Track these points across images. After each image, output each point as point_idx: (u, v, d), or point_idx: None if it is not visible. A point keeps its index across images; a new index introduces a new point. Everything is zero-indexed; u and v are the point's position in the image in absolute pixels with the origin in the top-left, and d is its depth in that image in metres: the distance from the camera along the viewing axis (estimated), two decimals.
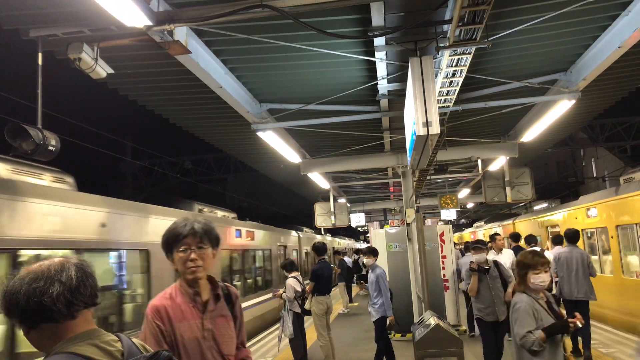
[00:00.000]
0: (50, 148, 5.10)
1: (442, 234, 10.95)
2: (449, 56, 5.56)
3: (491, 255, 8.53)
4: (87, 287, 1.59)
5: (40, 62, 5.24)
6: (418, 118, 5.00)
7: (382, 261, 10.98)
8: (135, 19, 4.23)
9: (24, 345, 4.93)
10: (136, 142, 21.72)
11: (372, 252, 8.15)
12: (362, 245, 40.61)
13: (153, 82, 7.19)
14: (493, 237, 9.54)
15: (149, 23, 4.37)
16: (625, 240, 9.90)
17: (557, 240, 9.07)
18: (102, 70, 5.26)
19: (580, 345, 7.77)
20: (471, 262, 6.88)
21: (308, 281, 8.71)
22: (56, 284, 1.52)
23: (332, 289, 10.08)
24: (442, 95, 6.80)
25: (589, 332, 7.65)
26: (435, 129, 4.96)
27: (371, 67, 6.88)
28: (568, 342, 8.03)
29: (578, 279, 7.87)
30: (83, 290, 1.57)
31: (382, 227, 17.55)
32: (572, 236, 8.23)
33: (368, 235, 36.11)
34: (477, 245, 6.95)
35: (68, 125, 10.91)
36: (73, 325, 1.55)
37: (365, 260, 8.36)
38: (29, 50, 5.26)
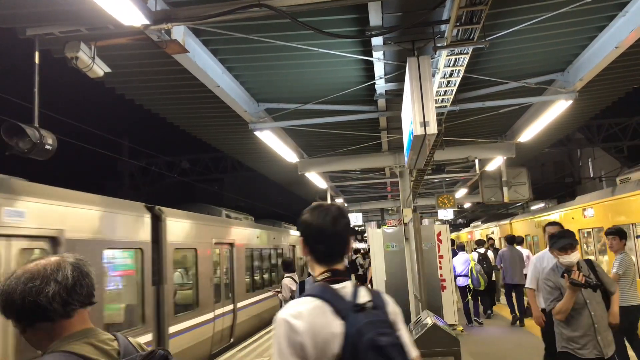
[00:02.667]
0: (47, 147, 5.08)
1: (439, 234, 10.96)
2: (447, 56, 5.56)
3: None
4: (83, 286, 1.59)
5: (37, 60, 5.23)
6: (415, 118, 5.01)
7: (380, 261, 11.00)
8: (133, 17, 4.22)
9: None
10: (133, 141, 21.69)
11: None
12: (360, 245, 40.63)
13: (150, 81, 7.18)
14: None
15: (147, 22, 4.36)
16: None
17: (509, 241, 12.58)
18: (100, 69, 5.25)
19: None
20: (566, 271, 4.22)
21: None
22: (52, 283, 1.52)
23: None
24: (440, 95, 6.81)
25: (523, 305, 11.34)
26: (433, 128, 4.97)
27: (369, 67, 6.88)
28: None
29: (515, 269, 11.78)
30: (79, 289, 1.57)
31: (379, 226, 17.60)
32: (511, 239, 12.65)
33: (365, 235, 36.12)
34: (569, 242, 4.37)
35: (65, 125, 10.89)
36: (69, 324, 1.55)
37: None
38: (26, 49, 5.25)
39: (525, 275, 11.67)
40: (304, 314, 1.79)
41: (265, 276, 15.07)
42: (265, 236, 14.86)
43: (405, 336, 1.95)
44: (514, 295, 11.81)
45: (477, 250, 12.57)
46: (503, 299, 13.91)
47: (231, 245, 11.77)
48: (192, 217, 9.77)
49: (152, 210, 8.25)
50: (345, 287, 1.93)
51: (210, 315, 10.06)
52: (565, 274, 4.20)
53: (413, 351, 1.95)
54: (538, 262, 6.30)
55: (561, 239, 4.44)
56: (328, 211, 2.04)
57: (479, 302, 12.11)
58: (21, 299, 1.50)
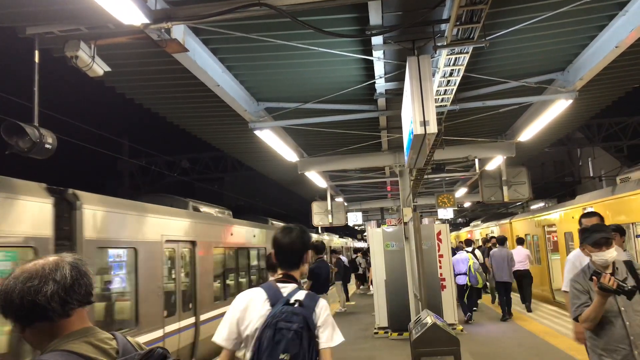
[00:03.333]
0: (47, 146, 5.08)
1: (439, 233, 10.96)
2: (447, 55, 5.56)
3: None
4: (81, 285, 1.59)
5: (37, 59, 5.23)
6: (415, 117, 5.01)
7: (380, 260, 11.00)
8: (133, 16, 4.22)
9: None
10: (133, 140, 21.68)
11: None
12: (360, 245, 40.67)
13: (150, 80, 7.18)
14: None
15: (147, 21, 4.36)
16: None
17: (499, 242, 13.37)
18: (99, 68, 5.25)
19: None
20: (595, 273, 3.52)
21: (305, 280, 8.69)
22: (50, 282, 1.52)
23: (330, 288, 10.11)
24: (440, 94, 6.81)
25: (510, 301, 12.21)
26: (433, 128, 4.97)
27: (369, 66, 6.88)
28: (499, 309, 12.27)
29: (504, 268, 12.41)
30: (77, 288, 1.57)
31: (379, 226, 17.60)
32: (502, 240, 13.32)
33: (365, 234, 36.15)
34: (603, 237, 3.70)
35: (65, 124, 10.89)
36: (68, 324, 1.55)
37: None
38: (26, 48, 5.25)
39: (515, 272, 12.81)
40: (249, 297, 2.64)
41: (244, 280, 12.77)
42: (244, 234, 12.51)
43: (323, 332, 2.59)
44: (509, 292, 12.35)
45: (466, 249, 13.00)
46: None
47: (193, 243, 9.38)
48: (128, 206, 7.45)
49: (61, 194, 6.15)
50: (287, 287, 2.68)
51: (157, 334, 7.78)
52: (593, 277, 3.49)
53: (322, 343, 2.56)
54: (577, 260, 5.06)
55: (594, 233, 3.75)
56: (289, 233, 2.79)
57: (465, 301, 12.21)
58: (20, 299, 1.50)
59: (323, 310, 2.65)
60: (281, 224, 18.19)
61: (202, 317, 9.50)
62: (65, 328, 1.55)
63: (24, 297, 1.50)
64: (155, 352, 1.53)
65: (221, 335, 2.62)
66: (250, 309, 2.59)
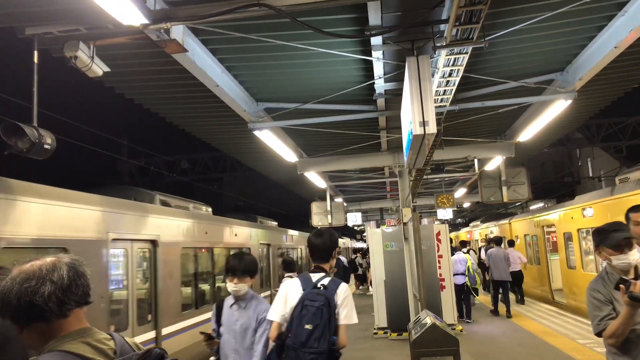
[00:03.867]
0: (46, 147, 5.08)
1: (438, 234, 10.96)
2: (446, 56, 5.56)
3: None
4: (79, 286, 1.59)
5: (36, 60, 5.22)
6: (415, 117, 5.01)
7: (379, 261, 11.00)
8: (132, 17, 4.22)
9: None
10: (132, 141, 21.67)
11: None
12: (358, 245, 40.66)
13: (149, 80, 7.18)
14: None
15: (146, 21, 4.36)
16: None
17: (496, 242, 13.97)
18: (99, 68, 5.25)
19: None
20: (622, 280, 3.03)
21: None
22: (47, 283, 1.53)
23: None
24: (439, 94, 6.81)
25: (509, 299, 12.65)
26: (432, 128, 4.97)
27: (368, 67, 6.88)
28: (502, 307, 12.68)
29: (501, 267, 12.83)
30: (75, 289, 1.58)
31: (378, 226, 17.56)
32: (498, 240, 14.08)
33: (364, 234, 36.14)
34: (625, 236, 3.26)
35: (64, 124, 10.88)
36: (65, 324, 1.56)
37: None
38: (25, 48, 5.24)
39: (512, 272, 13.24)
40: (288, 284, 3.61)
41: (224, 285, 10.69)
42: (224, 232, 10.98)
43: (342, 310, 3.39)
44: (502, 290, 13.00)
45: (462, 250, 13.51)
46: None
47: (153, 243, 7.89)
48: (55, 195, 5.83)
49: None
50: (317, 275, 3.55)
51: None
52: (620, 285, 2.97)
53: (341, 320, 3.38)
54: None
55: (614, 233, 3.25)
56: (321, 235, 3.66)
57: (462, 301, 12.35)
58: (17, 300, 1.50)
59: (343, 292, 3.44)
60: (272, 223, 17.05)
61: (166, 330, 8.03)
62: (62, 329, 1.55)
63: (21, 298, 1.50)
64: (153, 352, 1.54)
65: (274, 313, 3.57)
66: (289, 293, 3.51)
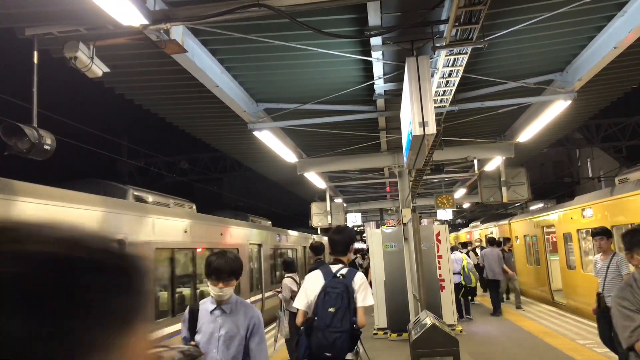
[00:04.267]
0: (46, 147, 5.08)
1: (438, 234, 10.96)
2: (446, 56, 5.56)
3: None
4: None
5: (36, 60, 5.22)
6: (414, 118, 5.01)
7: (379, 261, 11.00)
8: (132, 17, 4.22)
9: None
10: (132, 141, 21.67)
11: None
12: (359, 245, 40.62)
13: (149, 81, 7.18)
14: None
15: (145, 22, 4.36)
16: (620, 241, 9.93)
17: (490, 242, 14.43)
18: (98, 69, 5.25)
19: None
20: None
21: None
22: None
23: None
24: (439, 95, 6.81)
25: (498, 297, 13.08)
26: (432, 129, 4.97)
27: (368, 67, 6.88)
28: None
29: (494, 267, 13.22)
30: None
31: (378, 226, 17.51)
32: (492, 241, 14.45)
33: (364, 235, 36.09)
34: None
35: (64, 125, 10.88)
36: None
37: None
38: (25, 49, 5.24)
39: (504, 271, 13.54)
40: (312, 276, 4.18)
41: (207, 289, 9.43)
42: (207, 232, 10.14)
43: (359, 295, 4.00)
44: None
45: (460, 250, 14.02)
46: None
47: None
48: None
49: None
50: (336, 267, 4.16)
51: None
52: None
53: (358, 302, 3.98)
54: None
55: None
56: (341, 231, 4.37)
57: (462, 300, 12.64)
58: None
59: (359, 279, 4.07)
60: (265, 222, 16.24)
61: None
62: None
63: None
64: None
65: (299, 302, 4.14)
66: (313, 283, 4.12)
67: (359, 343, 4.16)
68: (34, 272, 0.55)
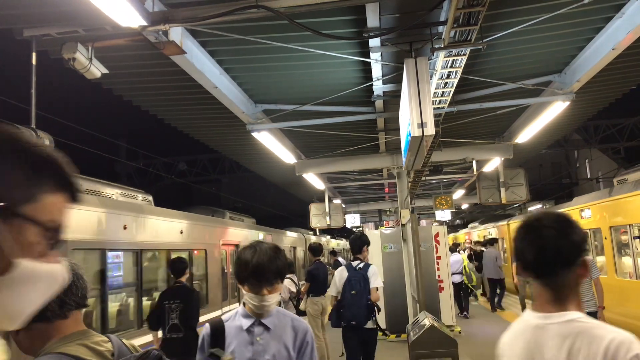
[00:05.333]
0: None
1: (436, 235, 10.96)
2: (444, 57, 5.57)
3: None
4: (78, 287, 1.61)
5: (34, 61, 5.22)
6: (413, 119, 5.01)
7: (377, 262, 11.00)
8: (130, 19, 4.22)
9: None
10: (131, 142, 21.66)
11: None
12: None
13: (148, 82, 7.18)
14: None
15: (144, 23, 4.36)
16: (619, 241, 9.95)
17: (490, 243, 15.21)
18: (97, 70, 5.25)
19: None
20: None
21: (303, 282, 8.68)
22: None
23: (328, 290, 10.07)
24: (437, 96, 6.82)
25: (495, 296, 13.82)
26: (430, 130, 4.97)
27: (366, 68, 6.89)
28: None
29: (491, 267, 13.94)
30: (75, 290, 1.59)
31: (377, 227, 17.47)
32: (492, 241, 15.31)
33: None
34: None
35: (62, 126, 10.88)
36: (64, 326, 1.56)
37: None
38: (23, 50, 5.24)
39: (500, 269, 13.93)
40: (340, 270, 6.22)
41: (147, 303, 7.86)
42: (155, 228, 8.08)
43: (373, 279, 5.92)
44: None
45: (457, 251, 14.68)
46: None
47: None
48: None
49: None
50: (356, 262, 6.15)
51: None
52: None
53: (371, 284, 5.92)
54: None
55: None
56: (359, 237, 6.44)
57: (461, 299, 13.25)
58: None
59: (372, 270, 6.00)
60: (248, 219, 14.74)
61: None
62: (60, 330, 1.55)
63: None
64: (151, 354, 1.53)
65: (332, 290, 6.21)
66: (341, 275, 6.05)
67: (375, 314, 6.07)
68: None
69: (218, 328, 2.43)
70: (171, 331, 5.73)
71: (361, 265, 6.00)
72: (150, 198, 8.96)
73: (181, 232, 8.99)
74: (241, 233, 12.50)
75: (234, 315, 2.48)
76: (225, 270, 11.03)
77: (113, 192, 7.73)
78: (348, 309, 5.83)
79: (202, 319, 8.17)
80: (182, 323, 5.72)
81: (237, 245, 11.77)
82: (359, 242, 6.20)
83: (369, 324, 5.97)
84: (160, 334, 5.99)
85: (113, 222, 6.83)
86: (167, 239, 8.50)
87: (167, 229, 8.54)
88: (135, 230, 7.44)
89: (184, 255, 8.81)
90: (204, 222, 10.33)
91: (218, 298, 10.28)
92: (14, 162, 0.83)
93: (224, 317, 2.51)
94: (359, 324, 5.89)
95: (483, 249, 15.03)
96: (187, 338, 5.64)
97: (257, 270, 2.34)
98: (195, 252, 9.60)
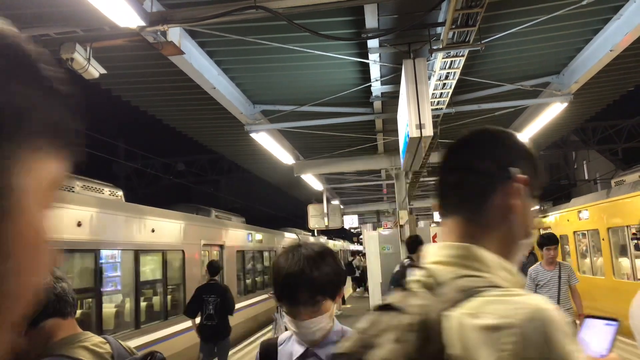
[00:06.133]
0: None
1: (434, 236, 10.96)
2: (442, 58, 5.57)
3: None
4: (71, 293, 1.64)
5: None
6: (411, 120, 5.02)
7: (375, 263, 11.00)
8: (129, 19, 4.22)
9: None
10: (129, 143, 21.64)
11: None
12: (353, 247, 40.65)
13: (146, 82, 7.17)
14: None
15: (142, 23, 4.36)
16: (616, 242, 9.97)
17: None
18: (95, 70, 5.24)
19: None
20: None
21: None
22: (61, 281, 1.60)
23: None
24: (435, 97, 6.82)
25: None
26: (429, 131, 4.98)
27: (365, 69, 6.89)
28: None
29: None
30: (69, 293, 1.62)
31: (375, 229, 17.46)
32: None
33: (361, 237, 36.09)
34: None
35: None
36: (65, 326, 1.57)
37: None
38: None
39: None
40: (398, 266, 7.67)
41: (122, 309, 7.65)
42: (120, 226, 7.44)
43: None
44: None
45: None
46: None
47: None
48: None
49: None
50: (406, 261, 7.34)
51: None
52: None
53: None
54: None
55: None
56: (415, 238, 7.48)
57: None
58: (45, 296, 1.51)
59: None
60: (237, 218, 13.89)
61: None
62: (62, 330, 1.56)
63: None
64: (157, 356, 1.54)
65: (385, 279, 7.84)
66: (396, 269, 7.37)
67: None
68: None
69: (269, 352, 1.90)
70: (207, 319, 6.97)
71: (406, 261, 7.33)
72: (120, 193, 8.24)
73: (153, 231, 8.17)
74: (227, 233, 11.67)
75: (288, 338, 1.89)
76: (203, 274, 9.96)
77: (72, 184, 6.92)
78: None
79: (177, 327, 8.40)
80: (216, 313, 6.96)
81: (221, 246, 11.09)
82: (415, 243, 7.12)
83: None
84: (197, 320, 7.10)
85: (62, 218, 6.05)
86: (134, 239, 7.62)
87: (135, 227, 7.75)
88: (92, 228, 6.58)
89: (157, 256, 8.31)
90: (183, 221, 9.35)
91: None
92: None
93: (280, 338, 1.94)
94: None
95: None
96: (218, 325, 7.00)
97: (287, 285, 1.70)
98: (171, 253, 8.72)
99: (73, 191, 6.83)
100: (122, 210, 7.59)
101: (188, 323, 7.90)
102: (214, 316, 6.98)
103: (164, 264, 8.41)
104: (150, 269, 8.35)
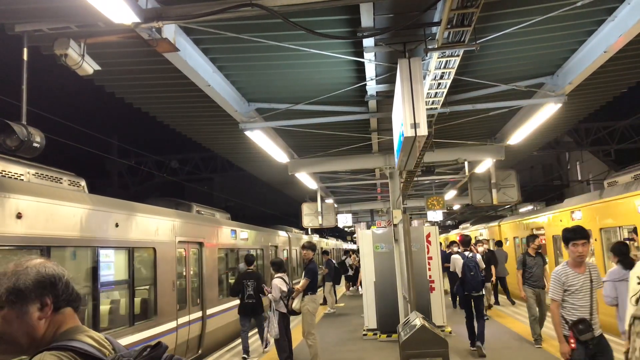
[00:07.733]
0: (35, 145, 5.03)
1: (428, 235, 10.99)
2: (438, 58, 5.58)
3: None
4: (71, 286, 1.67)
5: (25, 57, 5.17)
6: (406, 119, 5.02)
7: (369, 262, 11.01)
8: (123, 15, 4.20)
9: None
10: (122, 140, 21.53)
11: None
12: (346, 246, 40.70)
13: (140, 79, 7.14)
14: None
15: (137, 20, 4.34)
16: (609, 243, 10.02)
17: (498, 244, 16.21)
18: (89, 66, 5.21)
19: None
20: None
21: (302, 279, 8.56)
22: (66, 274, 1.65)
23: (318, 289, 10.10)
24: (430, 97, 6.83)
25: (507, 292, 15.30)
26: (423, 130, 4.98)
27: (360, 68, 6.89)
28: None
29: (503, 266, 14.74)
30: (71, 286, 1.66)
31: (369, 227, 17.45)
32: (500, 243, 16.76)
33: (355, 235, 36.14)
34: None
35: (53, 123, 10.79)
36: (73, 318, 1.63)
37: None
38: (14, 45, 5.19)
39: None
40: (455, 258, 9.36)
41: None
42: (73, 220, 6.34)
43: (479, 263, 9.16)
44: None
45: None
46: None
47: None
48: None
49: None
50: (466, 253, 9.17)
51: None
52: None
53: (480, 266, 9.15)
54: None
55: None
56: (462, 237, 9.70)
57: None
58: (65, 284, 1.61)
59: (478, 257, 9.21)
60: (220, 214, 12.87)
61: None
62: (70, 321, 1.62)
63: (64, 277, 1.61)
64: (162, 347, 1.58)
65: (455, 268, 9.22)
66: (459, 262, 9.03)
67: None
68: None
69: None
70: (248, 298, 9.24)
71: (470, 255, 9.04)
72: (83, 183, 7.36)
73: (117, 226, 7.26)
74: (208, 230, 10.92)
75: None
76: (184, 273, 9.57)
77: (22, 171, 6.12)
78: (469, 283, 8.70)
79: (149, 333, 7.75)
80: (255, 294, 9.26)
81: (200, 244, 10.39)
82: (468, 239, 9.57)
83: (483, 292, 8.94)
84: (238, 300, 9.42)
85: (7, 211, 5.26)
86: (93, 234, 6.67)
87: (95, 221, 6.74)
88: (37, 221, 5.69)
89: (122, 254, 7.46)
90: (155, 215, 8.49)
91: (172, 307, 8.73)
92: None
93: None
94: (477, 292, 8.74)
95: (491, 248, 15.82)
96: (256, 303, 9.30)
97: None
98: (140, 251, 7.95)
99: (21, 180, 6.01)
100: (78, 201, 6.49)
101: (157, 330, 7.97)
102: (252, 296, 9.25)
103: (130, 262, 7.58)
104: (114, 268, 7.35)
